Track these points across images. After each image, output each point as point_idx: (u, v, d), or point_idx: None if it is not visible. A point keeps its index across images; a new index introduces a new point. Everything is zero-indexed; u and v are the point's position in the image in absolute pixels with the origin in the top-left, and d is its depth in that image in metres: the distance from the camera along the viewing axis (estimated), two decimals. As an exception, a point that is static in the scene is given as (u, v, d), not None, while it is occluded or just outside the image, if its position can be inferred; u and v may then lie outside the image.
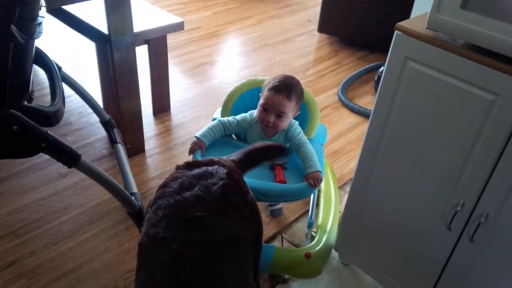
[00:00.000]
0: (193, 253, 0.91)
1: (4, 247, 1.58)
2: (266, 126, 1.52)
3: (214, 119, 1.62)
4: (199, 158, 1.45)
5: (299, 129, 1.57)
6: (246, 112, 1.61)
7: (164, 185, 1.04)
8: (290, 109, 1.50)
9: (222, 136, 1.58)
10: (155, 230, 0.95)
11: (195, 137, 1.51)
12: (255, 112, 1.57)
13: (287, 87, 1.49)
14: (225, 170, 1.07)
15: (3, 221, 1.68)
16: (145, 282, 0.91)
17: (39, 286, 1.47)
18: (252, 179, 1.43)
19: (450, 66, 1.03)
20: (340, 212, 1.74)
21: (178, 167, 1.10)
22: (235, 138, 1.65)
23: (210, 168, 1.06)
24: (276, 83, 1.50)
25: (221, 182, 1.02)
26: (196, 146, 1.49)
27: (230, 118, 1.59)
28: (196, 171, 1.06)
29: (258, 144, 1.30)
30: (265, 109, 1.50)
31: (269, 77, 1.59)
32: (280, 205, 1.80)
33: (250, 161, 1.23)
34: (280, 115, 1.49)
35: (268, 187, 1.41)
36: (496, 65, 0.95)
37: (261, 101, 1.52)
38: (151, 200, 1.05)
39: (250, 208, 1.06)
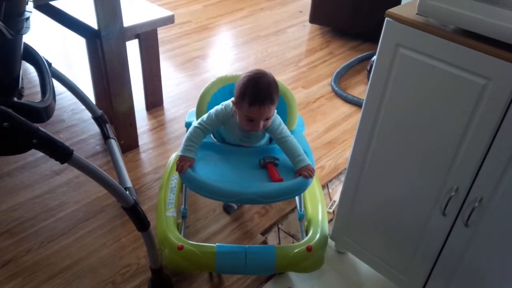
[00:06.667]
0: None
1: (0, 246, 1.58)
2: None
3: (188, 123, 1.55)
4: (191, 174, 1.37)
5: (278, 119, 1.47)
6: None
7: None
8: (275, 107, 1.42)
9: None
10: None
11: (180, 155, 1.40)
12: (229, 105, 1.46)
13: (267, 92, 1.36)
14: None
15: (-2, 220, 1.68)
16: None
17: (36, 284, 1.46)
18: (248, 181, 1.38)
19: (441, 52, 1.02)
20: (335, 201, 1.74)
21: None
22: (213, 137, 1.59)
23: None
24: (257, 95, 1.35)
25: None
26: (186, 164, 1.38)
27: (205, 117, 1.47)
28: None
29: None
30: (252, 120, 1.39)
31: (238, 74, 1.45)
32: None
33: None
34: (268, 118, 1.41)
35: (269, 188, 1.35)
36: (487, 49, 0.95)
37: (243, 113, 1.39)
38: None
39: None
